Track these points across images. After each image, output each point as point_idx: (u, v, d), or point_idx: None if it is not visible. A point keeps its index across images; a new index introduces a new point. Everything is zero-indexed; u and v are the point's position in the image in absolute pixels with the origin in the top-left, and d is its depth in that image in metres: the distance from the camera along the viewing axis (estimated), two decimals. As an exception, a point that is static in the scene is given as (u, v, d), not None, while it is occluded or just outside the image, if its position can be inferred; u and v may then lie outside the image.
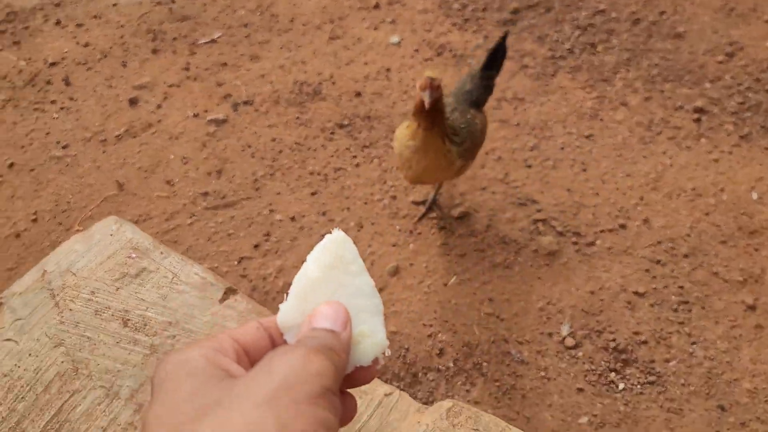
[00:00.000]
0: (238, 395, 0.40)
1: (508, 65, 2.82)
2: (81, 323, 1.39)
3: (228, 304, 1.55)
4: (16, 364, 1.32)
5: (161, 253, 1.61)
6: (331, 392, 0.43)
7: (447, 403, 1.05)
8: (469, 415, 1.02)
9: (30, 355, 1.34)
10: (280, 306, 0.51)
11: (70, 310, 1.41)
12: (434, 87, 1.68)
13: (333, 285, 0.51)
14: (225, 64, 2.85)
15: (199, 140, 2.57)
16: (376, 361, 0.51)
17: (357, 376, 0.51)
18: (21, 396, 1.28)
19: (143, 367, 1.35)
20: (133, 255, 1.55)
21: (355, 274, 0.52)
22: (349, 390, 0.52)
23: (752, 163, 2.45)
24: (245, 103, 2.70)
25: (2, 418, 1.26)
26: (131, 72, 2.83)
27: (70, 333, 1.37)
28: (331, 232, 0.53)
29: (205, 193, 2.40)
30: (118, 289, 1.47)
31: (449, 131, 1.86)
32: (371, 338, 0.50)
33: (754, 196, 2.34)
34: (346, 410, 0.50)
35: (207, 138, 2.58)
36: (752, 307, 2.05)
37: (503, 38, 2.09)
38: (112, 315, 1.40)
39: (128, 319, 1.41)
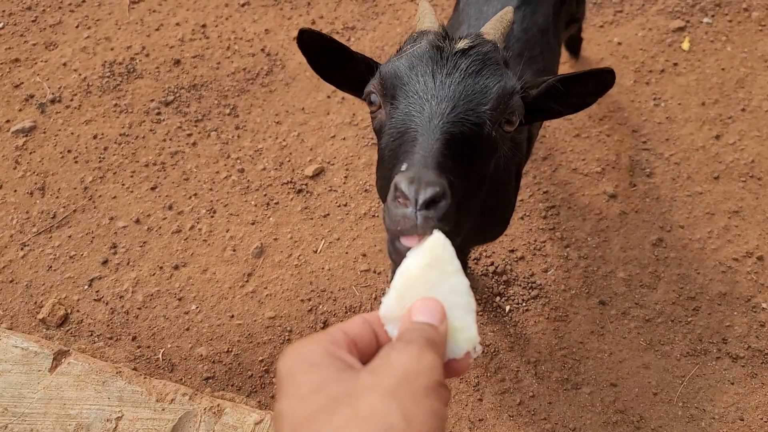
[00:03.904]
0: (364, 387, 0.45)
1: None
2: None
3: (61, 371, 1.39)
4: None
5: (-36, 335, 1.40)
6: (442, 385, 0.47)
7: None
8: None
9: None
10: (382, 299, 0.57)
11: None
12: None
13: (430, 283, 0.56)
14: (17, 60, 2.49)
15: (9, 158, 2.25)
16: (468, 354, 0.55)
17: (450, 368, 0.55)
18: None
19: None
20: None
21: (451, 274, 0.57)
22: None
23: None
24: (52, 101, 2.37)
25: None
26: None
27: None
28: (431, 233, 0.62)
29: (32, 217, 2.13)
30: None
31: None
32: (463, 333, 0.55)
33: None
34: None
35: (18, 153, 2.26)
36: (613, 196, 2.07)
37: None
38: None
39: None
